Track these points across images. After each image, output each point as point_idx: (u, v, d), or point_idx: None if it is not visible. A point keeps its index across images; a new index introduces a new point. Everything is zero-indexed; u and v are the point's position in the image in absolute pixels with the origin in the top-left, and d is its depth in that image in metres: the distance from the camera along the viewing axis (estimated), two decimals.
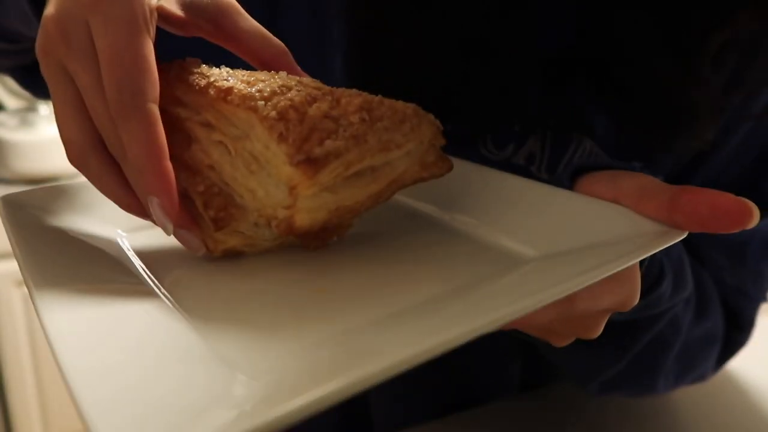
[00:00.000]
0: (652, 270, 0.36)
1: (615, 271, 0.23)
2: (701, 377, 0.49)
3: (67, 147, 0.28)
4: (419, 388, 0.50)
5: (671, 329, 0.42)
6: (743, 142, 0.41)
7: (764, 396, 0.51)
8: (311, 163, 0.26)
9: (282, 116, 0.26)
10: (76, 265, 0.28)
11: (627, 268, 0.25)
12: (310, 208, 0.27)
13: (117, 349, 0.22)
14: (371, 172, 0.29)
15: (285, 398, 0.16)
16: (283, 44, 0.32)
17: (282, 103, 0.26)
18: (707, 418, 0.48)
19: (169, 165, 0.26)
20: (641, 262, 0.32)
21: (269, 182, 0.27)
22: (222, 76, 0.29)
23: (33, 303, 0.23)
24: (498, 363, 0.50)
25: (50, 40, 0.27)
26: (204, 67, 0.30)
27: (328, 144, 0.26)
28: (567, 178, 0.32)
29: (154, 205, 0.26)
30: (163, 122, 0.26)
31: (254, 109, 0.26)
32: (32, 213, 0.32)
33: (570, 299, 0.25)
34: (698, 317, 0.45)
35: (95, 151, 0.27)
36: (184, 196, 0.29)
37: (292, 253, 0.32)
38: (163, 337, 0.23)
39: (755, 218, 0.24)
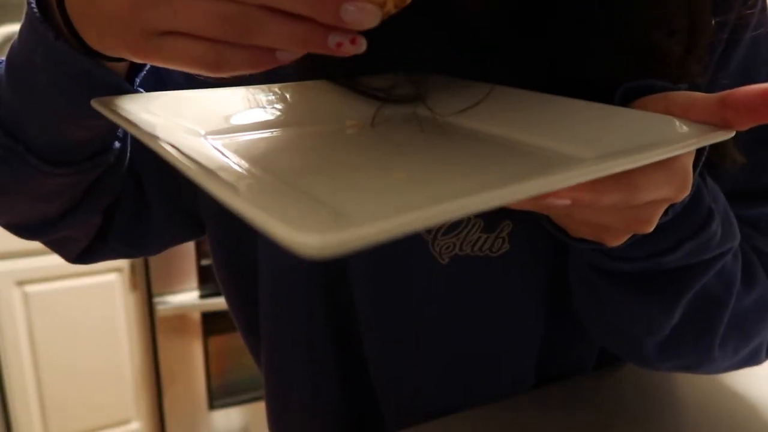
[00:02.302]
0: (701, 211, 0.37)
1: (670, 155, 0.26)
2: (757, 355, 0.49)
3: (203, 66, 0.28)
4: (430, 386, 0.51)
5: (722, 284, 0.42)
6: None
7: (765, 398, 0.51)
8: None
9: None
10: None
11: (680, 162, 0.29)
12: None
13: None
14: None
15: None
16: None
17: None
18: (708, 419, 0.48)
19: None
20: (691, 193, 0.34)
21: None
22: None
23: (169, 156, 0.25)
24: (512, 363, 0.50)
25: (130, 16, 0.27)
26: None
27: None
28: (619, 101, 0.34)
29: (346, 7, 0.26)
30: None
31: None
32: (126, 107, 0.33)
33: (631, 186, 0.27)
34: (747, 283, 0.45)
35: (235, 36, 0.27)
36: None
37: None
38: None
39: None
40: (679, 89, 0.32)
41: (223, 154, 0.30)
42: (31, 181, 0.42)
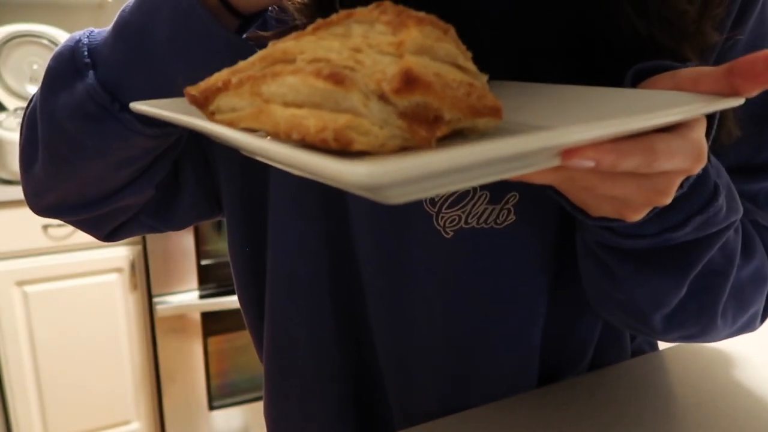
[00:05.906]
0: (708, 186, 0.38)
1: (685, 115, 0.28)
2: (753, 322, 0.51)
3: None
4: (440, 384, 0.51)
5: (725, 257, 0.44)
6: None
7: (765, 397, 0.51)
8: (410, 17, 0.29)
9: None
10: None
11: (695, 133, 0.30)
12: (417, 62, 0.28)
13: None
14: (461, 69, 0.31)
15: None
16: None
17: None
18: (708, 418, 0.49)
19: None
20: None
21: (374, 55, 0.29)
22: None
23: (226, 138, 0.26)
24: (517, 338, 0.50)
25: None
26: None
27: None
28: (629, 83, 0.35)
29: None
30: None
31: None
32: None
33: (651, 150, 0.28)
34: (746, 256, 0.47)
35: None
36: None
37: None
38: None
39: None
40: (687, 66, 0.33)
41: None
42: (116, 143, 0.44)
